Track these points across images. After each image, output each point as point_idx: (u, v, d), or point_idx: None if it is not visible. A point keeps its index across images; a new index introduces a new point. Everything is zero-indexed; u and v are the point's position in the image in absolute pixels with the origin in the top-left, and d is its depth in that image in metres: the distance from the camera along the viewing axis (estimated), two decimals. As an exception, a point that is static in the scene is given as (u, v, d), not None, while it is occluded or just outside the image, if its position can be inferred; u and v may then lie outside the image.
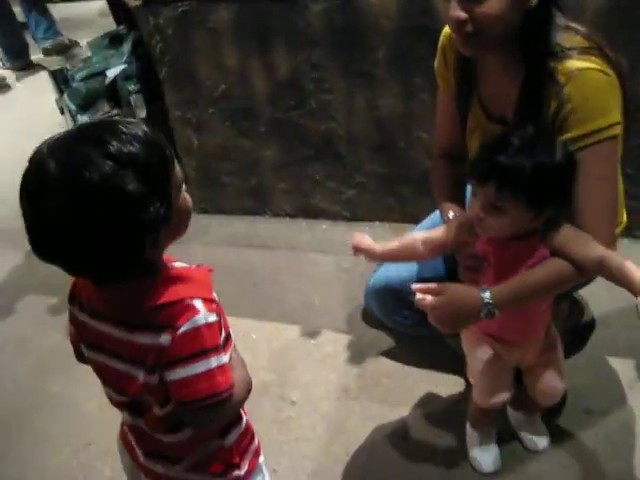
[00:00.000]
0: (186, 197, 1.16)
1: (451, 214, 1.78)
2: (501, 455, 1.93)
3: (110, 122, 1.11)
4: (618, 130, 1.55)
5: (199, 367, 1.11)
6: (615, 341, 2.26)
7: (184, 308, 1.11)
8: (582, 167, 1.55)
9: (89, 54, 3.62)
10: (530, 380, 1.82)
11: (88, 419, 2.25)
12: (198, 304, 1.11)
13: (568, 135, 1.54)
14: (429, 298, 1.51)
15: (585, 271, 1.56)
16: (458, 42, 1.60)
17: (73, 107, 3.37)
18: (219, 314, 1.15)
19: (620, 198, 1.82)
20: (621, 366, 2.18)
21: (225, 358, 1.16)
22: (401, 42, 2.50)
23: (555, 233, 1.54)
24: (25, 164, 1.05)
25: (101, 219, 1.02)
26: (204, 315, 1.11)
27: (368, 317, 2.45)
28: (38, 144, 1.06)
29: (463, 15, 1.49)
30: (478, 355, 1.77)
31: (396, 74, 2.58)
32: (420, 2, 2.39)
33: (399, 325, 2.22)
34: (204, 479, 1.31)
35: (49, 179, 1.02)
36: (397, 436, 2.05)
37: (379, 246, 1.69)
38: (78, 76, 3.40)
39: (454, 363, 2.07)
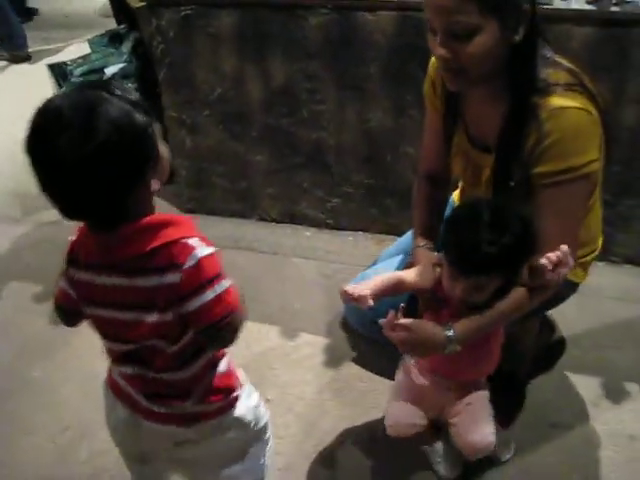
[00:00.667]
0: (163, 145, 1.25)
1: (421, 261, 1.80)
2: (464, 465, 1.99)
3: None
4: (594, 167, 1.60)
5: (209, 295, 1.23)
6: (583, 360, 2.35)
7: (181, 247, 1.21)
8: (548, 201, 1.62)
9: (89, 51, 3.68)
10: (451, 434, 1.84)
11: (67, 404, 2.30)
12: (192, 241, 1.22)
13: (541, 169, 1.60)
14: (396, 334, 1.60)
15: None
16: (445, 78, 1.65)
17: (70, 101, 3.41)
18: (213, 246, 1.26)
19: (597, 225, 1.90)
20: (588, 384, 2.27)
21: (227, 282, 1.27)
22: (393, 59, 2.58)
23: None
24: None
25: (114, 151, 1.11)
26: (201, 249, 1.22)
27: (346, 323, 2.52)
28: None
29: (448, 54, 1.54)
30: (404, 380, 1.89)
31: (387, 89, 2.67)
32: (414, 22, 2.47)
33: (375, 333, 2.28)
34: (209, 409, 1.42)
35: (63, 117, 1.10)
36: (367, 438, 2.12)
37: (369, 290, 1.66)
38: (77, 72, 3.47)
39: None
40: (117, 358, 1.38)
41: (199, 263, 1.21)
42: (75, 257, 1.31)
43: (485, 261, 1.52)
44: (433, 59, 1.84)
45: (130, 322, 1.28)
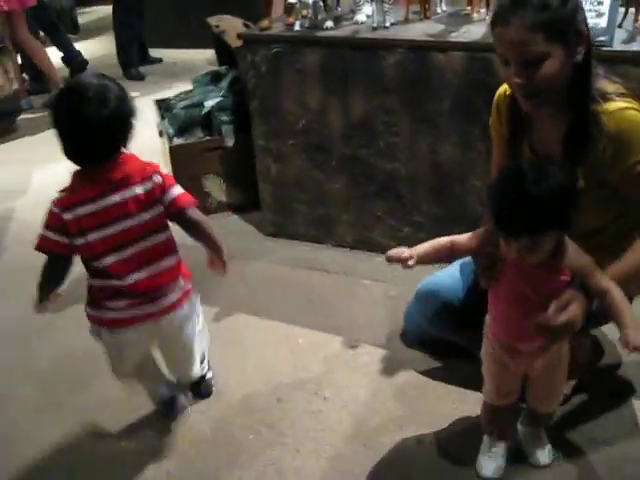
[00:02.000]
0: None
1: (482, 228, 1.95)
2: (506, 468, 2.09)
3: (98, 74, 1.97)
4: None
5: (179, 189, 1.99)
6: (635, 384, 2.41)
7: (150, 165, 1.97)
8: (636, 185, 1.83)
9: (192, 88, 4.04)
10: (531, 388, 2.01)
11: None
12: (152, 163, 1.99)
13: (623, 165, 1.81)
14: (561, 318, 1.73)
15: None
16: (521, 102, 1.87)
17: (171, 131, 3.77)
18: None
19: None
20: (636, 406, 2.32)
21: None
22: (462, 95, 2.78)
23: (570, 253, 1.72)
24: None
25: (118, 116, 1.86)
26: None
27: (407, 339, 2.69)
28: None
29: (524, 81, 1.76)
30: (489, 359, 1.98)
31: (456, 124, 2.86)
32: (481, 61, 2.67)
33: (438, 327, 2.44)
34: (180, 285, 2.12)
35: (86, 90, 1.83)
36: (413, 439, 2.25)
37: (410, 251, 1.85)
38: (179, 105, 3.82)
39: (481, 384, 2.18)
40: (119, 270, 1.94)
41: (165, 172, 1.98)
42: (69, 205, 1.87)
43: (528, 219, 1.58)
44: (500, 90, 2.07)
45: (135, 225, 1.92)
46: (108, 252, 1.93)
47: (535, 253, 1.65)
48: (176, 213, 1.98)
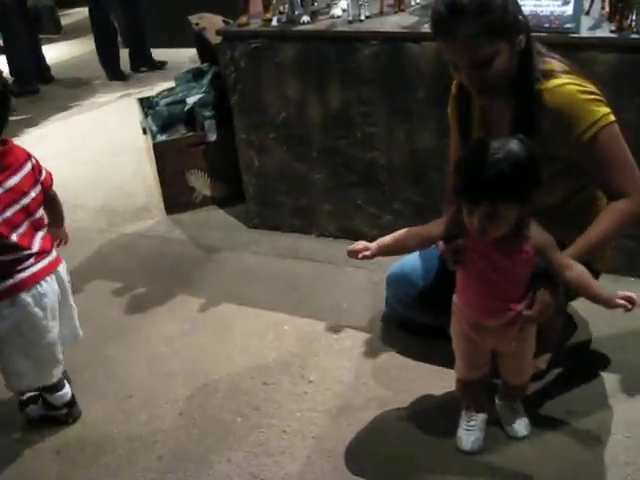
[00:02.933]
0: None
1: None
2: (485, 439, 2.17)
3: None
4: (612, 117, 1.90)
5: (45, 172, 2.21)
6: (606, 359, 2.50)
7: (25, 151, 2.15)
8: (595, 155, 1.92)
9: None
10: (502, 362, 2.10)
11: (133, 377, 2.61)
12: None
13: (567, 142, 1.90)
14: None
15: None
16: (476, 97, 1.99)
17: (155, 128, 3.83)
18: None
19: None
20: (608, 379, 2.40)
21: None
22: (436, 85, 2.84)
23: (533, 228, 1.81)
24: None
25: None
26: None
27: (388, 321, 2.77)
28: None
29: (477, 81, 1.86)
30: (458, 333, 2.07)
31: (432, 113, 2.93)
32: (455, 49, 2.74)
33: (408, 308, 2.56)
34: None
35: None
36: (396, 416, 2.32)
37: (374, 244, 1.98)
38: (162, 102, 3.88)
39: None
40: (25, 242, 2.11)
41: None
42: None
43: (489, 184, 1.66)
44: (455, 81, 2.18)
45: (30, 202, 2.10)
46: (14, 230, 2.07)
47: (497, 224, 1.72)
48: (47, 190, 2.22)
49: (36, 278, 2.14)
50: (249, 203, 3.57)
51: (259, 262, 3.34)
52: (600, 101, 1.90)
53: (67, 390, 2.37)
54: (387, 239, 1.99)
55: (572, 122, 1.88)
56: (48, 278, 2.18)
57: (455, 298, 2.02)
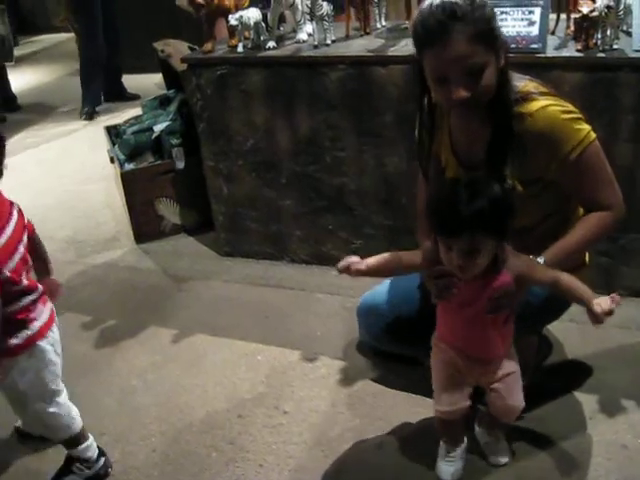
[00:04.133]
0: None
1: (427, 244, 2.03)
2: (465, 469, 2.14)
3: None
4: (593, 135, 1.91)
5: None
6: (582, 380, 2.49)
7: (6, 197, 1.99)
8: (577, 176, 1.93)
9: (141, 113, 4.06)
10: (491, 398, 2.05)
11: (105, 414, 2.54)
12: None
13: (554, 164, 1.90)
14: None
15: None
16: (456, 113, 1.98)
17: (122, 157, 3.79)
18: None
19: None
20: (585, 400, 2.39)
21: None
22: (405, 107, 2.84)
23: (510, 257, 1.81)
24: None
25: None
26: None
27: (363, 348, 2.74)
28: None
29: (468, 93, 1.81)
30: (439, 367, 2.04)
31: (401, 135, 2.92)
32: (422, 73, 2.74)
33: (378, 339, 2.54)
34: None
35: None
36: (373, 445, 2.29)
37: (364, 264, 1.94)
38: (129, 130, 3.84)
39: None
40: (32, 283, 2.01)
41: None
42: None
43: (466, 220, 1.68)
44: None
45: (24, 247, 1.97)
46: (21, 275, 1.95)
47: (475, 259, 1.73)
48: (31, 234, 2.08)
49: (50, 323, 2.06)
50: (219, 231, 3.54)
51: (230, 290, 3.29)
52: (581, 119, 1.90)
53: (91, 438, 2.27)
54: (373, 260, 1.95)
55: (558, 144, 1.88)
56: (56, 320, 2.11)
57: (437, 331, 2.00)
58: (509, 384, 2.01)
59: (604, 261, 2.83)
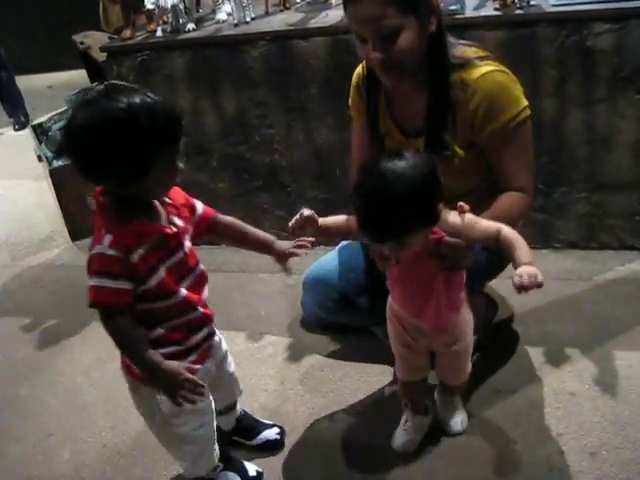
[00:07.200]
0: None
1: None
2: (421, 441, 2.12)
3: None
4: (528, 112, 1.92)
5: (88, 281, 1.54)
6: (527, 334, 2.53)
7: (96, 237, 1.54)
8: (504, 149, 1.93)
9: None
10: (439, 363, 2.05)
11: (51, 414, 2.49)
12: (105, 236, 1.50)
13: (489, 129, 1.90)
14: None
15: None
16: (381, 77, 1.92)
17: (50, 154, 3.69)
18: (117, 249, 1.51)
19: None
20: (531, 353, 2.43)
21: (92, 281, 1.53)
22: (329, 79, 2.83)
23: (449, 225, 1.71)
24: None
25: None
26: (97, 246, 1.53)
27: (307, 324, 2.73)
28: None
29: (382, 55, 1.81)
30: (394, 335, 2.02)
31: (328, 108, 2.91)
32: (343, 43, 2.71)
33: (329, 311, 2.47)
34: None
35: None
36: (326, 418, 2.29)
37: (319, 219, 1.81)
38: (55, 127, 3.74)
39: (383, 356, 2.30)
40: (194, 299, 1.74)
41: (90, 257, 1.54)
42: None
43: (384, 231, 1.59)
44: (357, 70, 2.15)
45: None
46: (179, 281, 1.68)
47: (406, 247, 1.65)
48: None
49: (206, 354, 1.88)
50: (155, 220, 3.48)
51: (170, 279, 3.24)
52: (522, 91, 1.92)
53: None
54: (329, 220, 1.85)
55: (499, 111, 1.88)
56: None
57: (390, 300, 1.99)
58: (455, 353, 1.99)
59: (540, 217, 2.86)
